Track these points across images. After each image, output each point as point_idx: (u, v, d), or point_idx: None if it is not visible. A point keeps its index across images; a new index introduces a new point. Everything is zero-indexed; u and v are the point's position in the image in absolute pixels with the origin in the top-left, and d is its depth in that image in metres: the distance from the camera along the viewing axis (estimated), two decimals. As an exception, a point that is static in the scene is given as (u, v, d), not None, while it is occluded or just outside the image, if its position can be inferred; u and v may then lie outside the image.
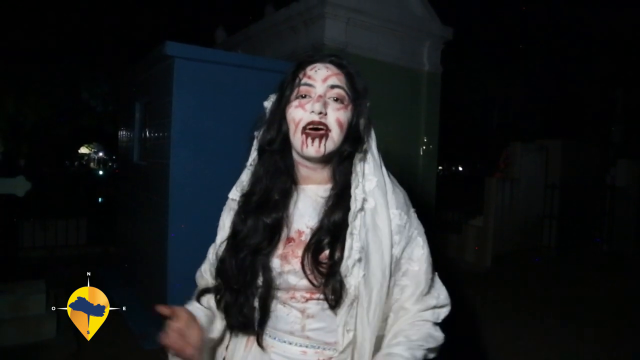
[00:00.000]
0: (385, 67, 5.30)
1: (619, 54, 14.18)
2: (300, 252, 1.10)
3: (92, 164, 29.94)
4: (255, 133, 1.23)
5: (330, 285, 1.06)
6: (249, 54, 5.71)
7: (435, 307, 1.19)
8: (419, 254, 1.19)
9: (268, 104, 1.22)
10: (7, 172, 3.66)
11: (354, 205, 1.10)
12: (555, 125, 15.43)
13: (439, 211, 6.99)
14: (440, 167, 17.52)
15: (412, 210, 1.23)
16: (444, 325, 1.19)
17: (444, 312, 1.21)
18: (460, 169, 24.54)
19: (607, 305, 4.82)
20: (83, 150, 28.14)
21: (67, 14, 12.62)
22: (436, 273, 1.25)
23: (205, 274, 1.28)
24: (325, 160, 1.15)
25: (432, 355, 1.15)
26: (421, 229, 1.23)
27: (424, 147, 5.76)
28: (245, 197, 1.18)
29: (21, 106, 13.06)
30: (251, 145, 1.24)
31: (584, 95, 15.29)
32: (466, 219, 7.17)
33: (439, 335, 1.16)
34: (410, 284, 1.18)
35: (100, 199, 9.05)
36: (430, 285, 1.21)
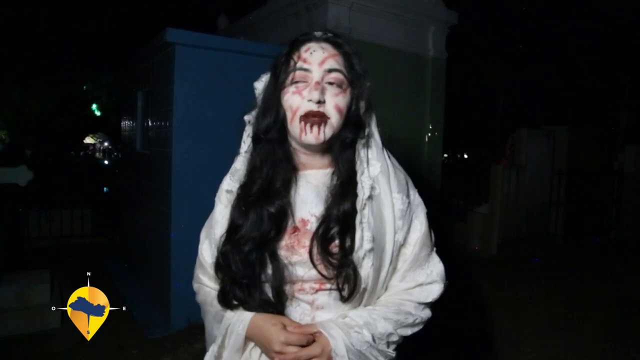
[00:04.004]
0: (390, 52, 5.22)
1: (627, 39, 13.96)
2: (307, 242, 1.06)
3: (97, 154, 30.01)
4: (246, 118, 1.18)
5: (343, 277, 1.04)
6: (251, 41, 5.64)
7: (423, 284, 1.15)
8: (415, 237, 1.16)
9: (259, 85, 1.17)
10: (12, 162, 3.65)
11: (362, 193, 1.07)
12: (562, 111, 15.28)
13: (444, 199, 6.94)
14: (445, 155, 17.41)
15: (412, 190, 1.20)
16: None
17: (435, 290, 1.16)
18: (466, 156, 24.38)
19: (615, 294, 4.78)
20: (88, 140, 28.23)
21: (70, 3, 12.58)
22: (434, 249, 1.21)
23: (209, 282, 1.19)
24: (325, 146, 1.10)
25: (405, 332, 1.12)
26: (421, 209, 1.19)
27: (429, 134, 5.70)
28: (244, 187, 1.12)
29: (26, 97, 13.11)
30: (242, 130, 1.19)
31: (592, 81, 15.09)
32: (472, 207, 7.12)
33: (418, 314, 1.13)
34: (401, 265, 1.15)
35: (105, 189, 9.06)
36: (424, 262, 1.17)
